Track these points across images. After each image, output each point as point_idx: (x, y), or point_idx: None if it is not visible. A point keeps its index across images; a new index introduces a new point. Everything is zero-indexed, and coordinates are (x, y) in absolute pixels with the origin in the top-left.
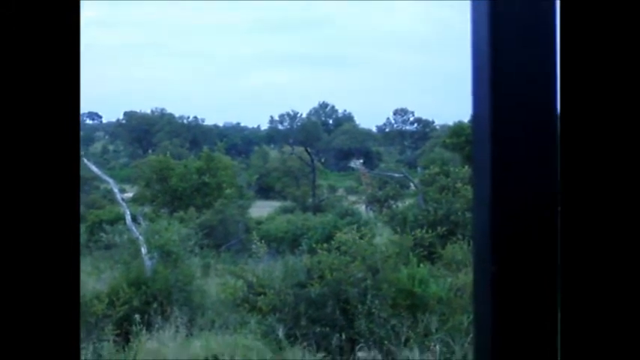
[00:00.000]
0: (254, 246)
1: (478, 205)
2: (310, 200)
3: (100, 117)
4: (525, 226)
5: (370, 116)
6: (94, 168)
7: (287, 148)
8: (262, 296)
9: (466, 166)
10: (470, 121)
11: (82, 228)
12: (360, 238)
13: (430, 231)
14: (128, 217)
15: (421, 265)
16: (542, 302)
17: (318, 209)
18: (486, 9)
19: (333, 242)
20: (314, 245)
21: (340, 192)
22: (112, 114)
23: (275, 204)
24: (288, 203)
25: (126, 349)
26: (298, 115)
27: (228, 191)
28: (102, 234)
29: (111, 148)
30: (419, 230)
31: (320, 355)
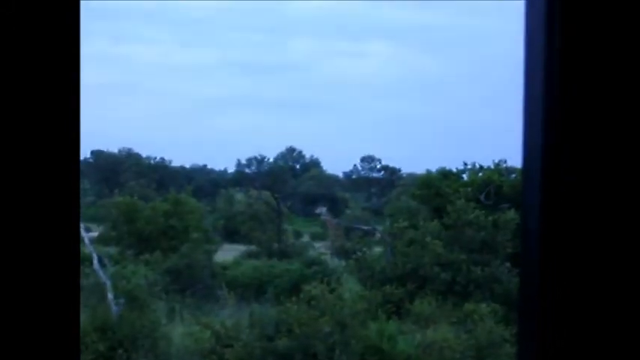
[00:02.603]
0: (219, 292)
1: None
2: (276, 245)
3: None
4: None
5: (337, 162)
6: None
7: (253, 192)
8: (230, 348)
9: (435, 220)
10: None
11: None
12: (330, 292)
13: (399, 286)
14: (95, 261)
15: (390, 320)
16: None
17: (283, 255)
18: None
19: (301, 295)
20: (280, 295)
21: (306, 237)
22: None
23: (240, 247)
24: (254, 248)
25: None
26: (265, 159)
27: (194, 235)
28: None
29: None
30: (388, 286)
31: None
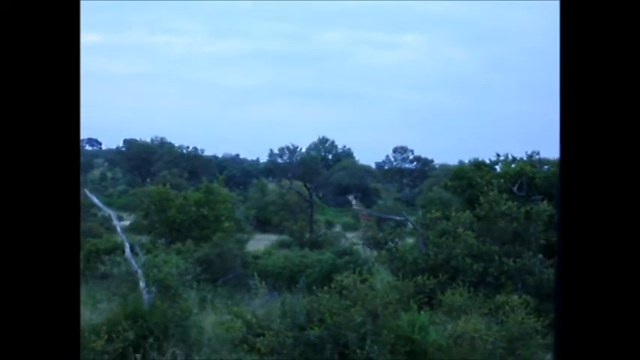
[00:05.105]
0: (251, 282)
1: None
2: (307, 235)
3: (100, 144)
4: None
5: (370, 153)
6: (95, 200)
7: (285, 182)
8: (261, 337)
9: (467, 211)
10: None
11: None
12: (362, 282)
13: (431, 277)
14: (127, 249)
15: (421, 311)
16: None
17: (315, 245)
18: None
19: (333, 285)
20: (312, 284)
21: (338, 228)
22: (112, 141)
23: (272, 237)
24: (285, 237)
25: None
26: (298, 149)
27: (226, 224)
28: (99, 264)
29: (109, 175)
30: (420, 277)
31: None
